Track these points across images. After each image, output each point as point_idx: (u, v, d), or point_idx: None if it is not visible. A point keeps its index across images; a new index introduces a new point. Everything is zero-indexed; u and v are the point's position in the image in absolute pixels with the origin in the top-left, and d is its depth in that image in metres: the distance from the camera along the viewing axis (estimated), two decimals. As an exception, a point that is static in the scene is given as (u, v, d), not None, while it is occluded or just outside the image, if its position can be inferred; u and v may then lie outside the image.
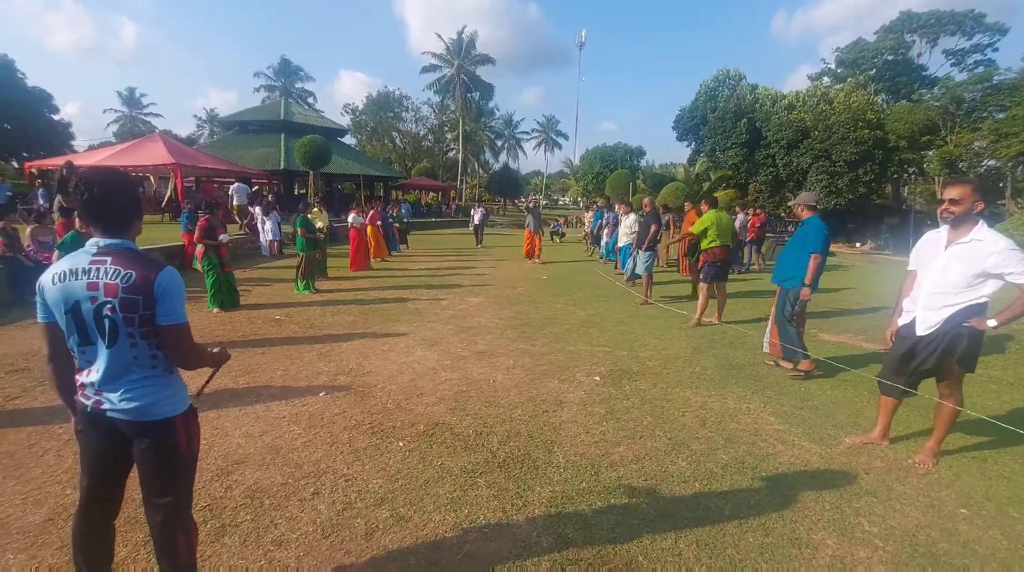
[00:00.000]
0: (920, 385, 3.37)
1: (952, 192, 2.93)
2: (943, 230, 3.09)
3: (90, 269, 1.63)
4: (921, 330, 3.11)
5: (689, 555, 2.39)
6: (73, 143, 37.77)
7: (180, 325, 1.72)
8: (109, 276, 1.62)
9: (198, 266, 7.17)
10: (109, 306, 1.61)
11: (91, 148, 32.96)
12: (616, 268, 11.77)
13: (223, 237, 7.00)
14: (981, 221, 2.93)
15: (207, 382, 2.22)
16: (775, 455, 3.36)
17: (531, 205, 13.99)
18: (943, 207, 2.99)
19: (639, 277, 8.61)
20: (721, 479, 3.06)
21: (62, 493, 2.73)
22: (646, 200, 9.11)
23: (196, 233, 6.94)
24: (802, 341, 4.84)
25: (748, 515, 2.70)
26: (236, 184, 17.70)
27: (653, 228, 8.17)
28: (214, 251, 6.94)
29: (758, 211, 14.44)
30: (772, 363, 5.10)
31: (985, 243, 2.84)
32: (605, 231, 14.23)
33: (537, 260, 13.22)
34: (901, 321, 3.29)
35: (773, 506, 2.79)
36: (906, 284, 3.35)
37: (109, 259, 1.65)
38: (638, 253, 8.48)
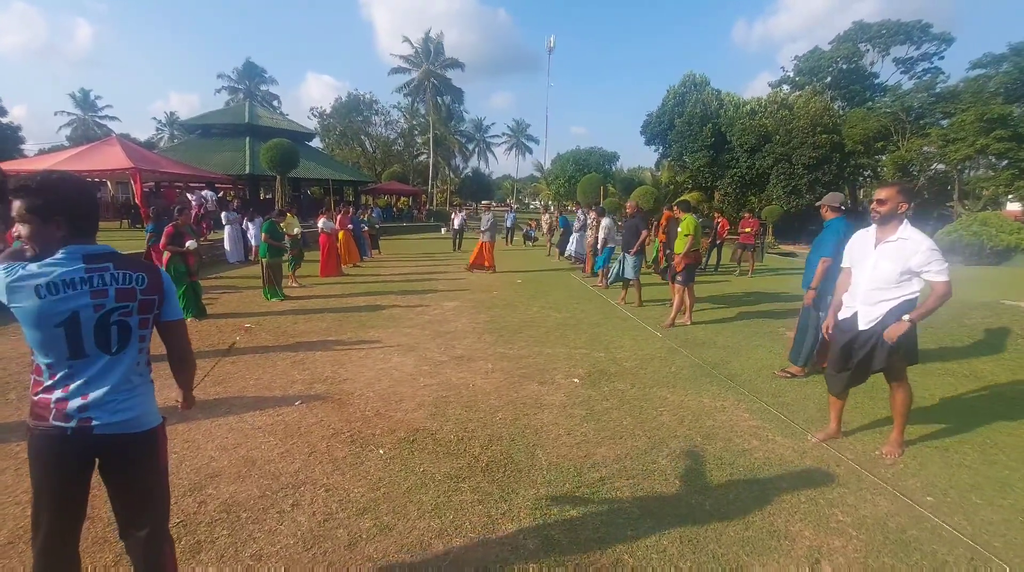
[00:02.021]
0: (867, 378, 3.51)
1: (880, 194, 3.17)
2: (872, 229, 3.29)
3: (89, 277, 1.56)
4: (863, 325, 3.26)
5: (673, 551, 2.42)
6: (23, 147, 36.04)
7: (182, 320, 1.85)
8: (120, 281, 1.61)
9: None
10: (124, 310, 1.61)
11: (42, 152, 31.53)
12: (586, 271, 11.88)
13: (190, 243, 6.74)
14: (906, 221, 3.13)
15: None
16: (751, 451, 3.45)
17: (484, 210, 13.17)
18: (872, 207, 3.20)
19: (625, 280, 8.56)
20: (700, 475, 3.11)
21: (23, 515, 2.58)
22: (631, 204, 9.04)
23: (162, 239, 6.65)
24: (813, 352, 4.83)
25: (728, 510, 2.76)
26: (206, 191, 18.13)
27: (644, 233, 8.10)
28: (181, 259, 6.69)
29: (746, 215, 14.75)
30: (782, 369, 5.09)
31: (910, 242, 3.05)
32: (574, 237, 14.28)
33: (484, 270, 12.08)
34: (842, 315, 3.43)
35: (751, 500, 2.85)
36: (840, 280, 3.56)
37: (110, 265, 1.61)
38: (625, 257, 8.46)
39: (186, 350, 1.88)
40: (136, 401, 1.68)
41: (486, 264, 12.15)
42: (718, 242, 13.57)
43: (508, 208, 27.76)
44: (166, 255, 6.68)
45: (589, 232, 12.36)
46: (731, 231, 14.49)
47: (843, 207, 4.76)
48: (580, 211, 15.11)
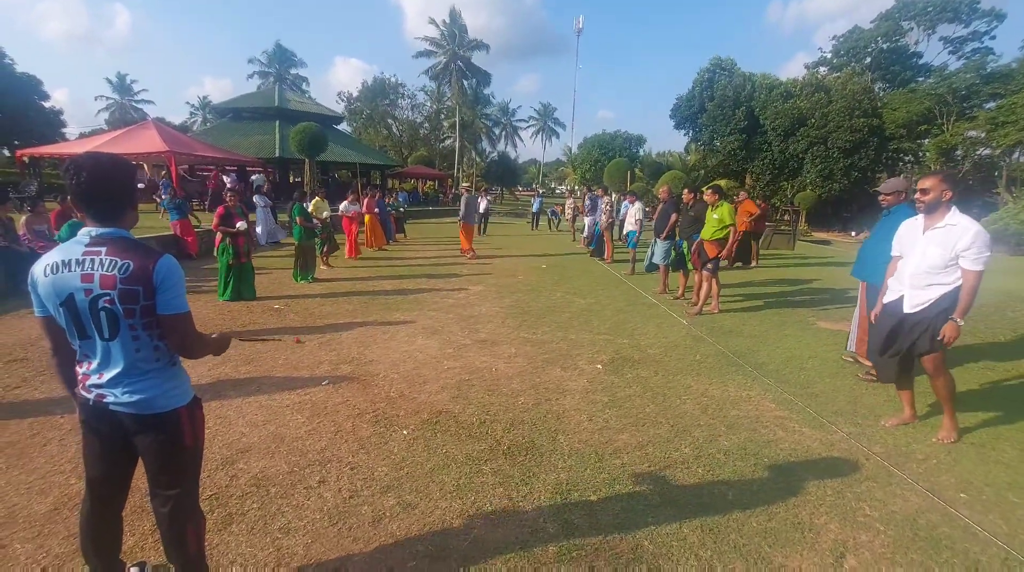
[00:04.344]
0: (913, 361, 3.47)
1: (923, 183, 3.23)
2: (920, 217, 3.34)
3: (84, 260, 1.57)
4: (908, 308, 3.31)
5: (694, 540, 2.41)
6: (64, 130, 37.25)
7: (182, 314, 1.67)
8: (105, 267, 1.56)
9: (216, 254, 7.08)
10: (107, 298, 1.56)
11: (82, 135, 32.59)
12: (606, 259, 11.75)
13: (240, 224, 6.85)
14: (954, 207, 3.17)
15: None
16: (776, 441, 3.39)
17: (462, 192, 12.59)
18: (916, 196, 3.27)
19: (657, 267, 8.42)
20: (724, 465, 3.08)
21: (66, 483, 2.73)
22: (664, 189, 8.85)
23: (214, 220, 6.86)
24: None
25: (751, 500, 2.73)
26: (255, 176, 19.61)
27: (673, 217, 7.88)
28: (231, 240, 6.83)
29: (759, 202, 14.18)
30: (851, 360, 4.94)
31: (958, 227, 3.09)
32: (588, 220, 13.89)
33: (469, 254, 11.93)
34: (887, 299, 3.49)
35: (776, 491, 2.82)
36: (890, 268, 3.58)
37: (104, 249, 1.59)
38: (656, 242, 8.29)
39: (186, 347, 1.73)
40: (147, 384, 1.68)
41: (462, 248, 11.97)
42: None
43: (535, 193, 27.57)
44: (218, 236, 6.91)
45: (603, 217, 12.14)
46: (768, 218, 13.83)
47: (908, 194, 4.50)
48: (588, 196, 14.60)
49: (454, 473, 2.93)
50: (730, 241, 6.54)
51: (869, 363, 4.65)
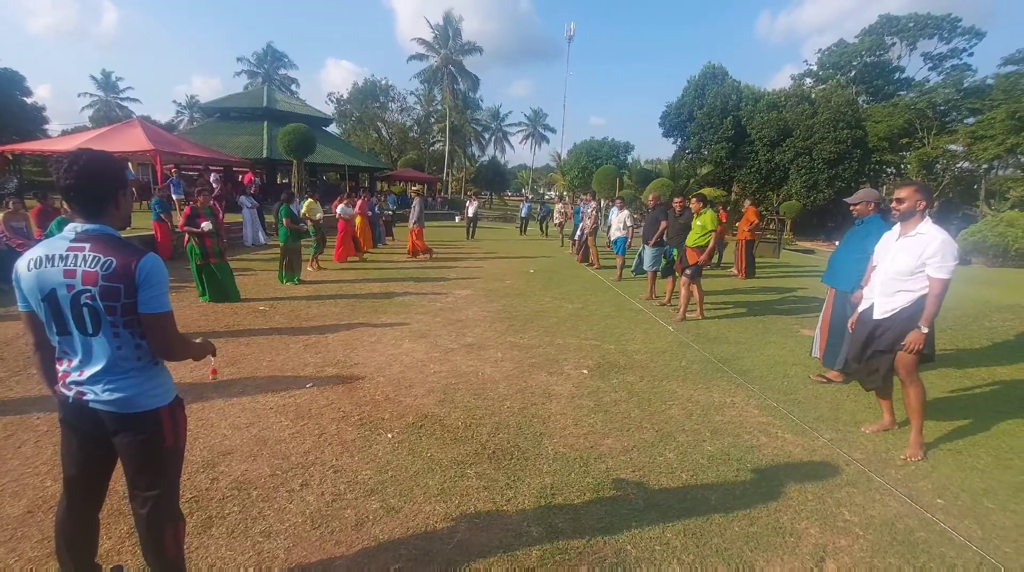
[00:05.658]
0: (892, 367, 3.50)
1: (899, 193, 3.34)
2: (897, 227, 3.45)
3: (67, 255, 1.57)
4: (878, 314, 3.39)
5: (677, 544, 2.43)
6: (47, 127, 36.63)
7: (163, 314, 1.65)
8: (88, 263, 1.56)
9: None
10: (88, 295, 1.56)
11: (65, 133, 32.06)
12: (593, 265, 11.81)
13: (205, 225, 6.77)
14: (927, 217, 3.28)
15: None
16: (759, 447, 3.43)
17: (413, 196, 13.00)
18: (892, 205, 3.38)
19: (645, 273, 8.49)
20: (707, 470, 3.11)
21: (41, 485, 2.67)
22: (652, 196, 8.95)
23: (180, 220, 6.79)
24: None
25: (734, 505, 2.75)
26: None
27: (662, 224, 7.94)
28: (198, 240, 6.76)
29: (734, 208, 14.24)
30: (823, 380, 4.72)
31: (927, 236, 3.18)
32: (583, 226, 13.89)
33: (424, 256, 12.23)
34: (861, 308, 3.60)
35: (758, 496, 2.84)
36: (865, 276, 3.72)
37: (88, 245, 1.58)
38: (644, 248, 8.37)
39: (166, 347, 1.71)
40: (128, 383, 1.67)
41: (420, 250, 12.21)
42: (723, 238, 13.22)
43: (523, 199, 27.67)
44: (186, 236, 6.82)
45: (588, 221, 12.22)
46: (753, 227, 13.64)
47: (879, 205, 4.56)
48: (582, 203, 14.69)
49: (438, 477, 2.92)
50: (711, 246, 6.62)
51: (830, 369, 4.78)
